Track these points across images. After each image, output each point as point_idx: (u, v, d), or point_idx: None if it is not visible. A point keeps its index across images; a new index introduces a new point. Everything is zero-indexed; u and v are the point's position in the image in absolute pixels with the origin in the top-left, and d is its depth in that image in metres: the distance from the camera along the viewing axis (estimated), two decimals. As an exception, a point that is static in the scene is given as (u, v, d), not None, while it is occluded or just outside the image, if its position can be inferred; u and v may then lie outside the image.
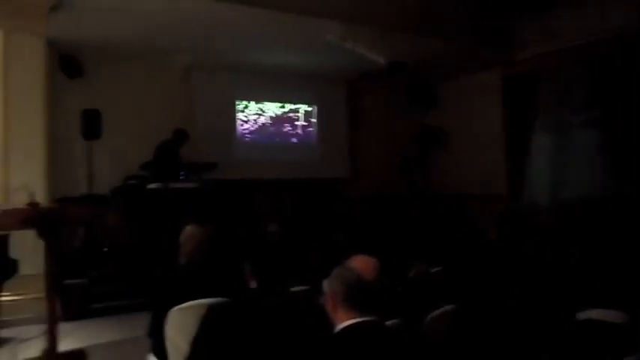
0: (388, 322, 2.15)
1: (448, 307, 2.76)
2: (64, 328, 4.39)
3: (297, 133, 9.79)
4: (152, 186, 6.88)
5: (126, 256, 6.65)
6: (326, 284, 2.00)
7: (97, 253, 6.72)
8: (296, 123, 9.78)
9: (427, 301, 2.90)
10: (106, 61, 7.88)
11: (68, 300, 5.59)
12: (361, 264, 1.97)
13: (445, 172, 10.29)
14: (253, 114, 9.34)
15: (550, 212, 8.26)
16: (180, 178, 7.24)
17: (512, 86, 9.07)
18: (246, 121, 9.27)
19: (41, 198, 4.64)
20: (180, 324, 2.71)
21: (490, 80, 9.39)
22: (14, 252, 4.77)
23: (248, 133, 9.31)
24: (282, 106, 9.63)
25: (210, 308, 2.39)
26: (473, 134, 9.81)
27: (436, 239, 5.74)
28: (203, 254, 3.16)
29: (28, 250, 4.19)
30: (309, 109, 9.90)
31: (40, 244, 3.94)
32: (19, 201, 4.22)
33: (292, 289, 3.02)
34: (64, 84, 7.39)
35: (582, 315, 2.36)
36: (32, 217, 3.76)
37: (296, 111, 9.78)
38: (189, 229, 3.27)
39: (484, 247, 4.64)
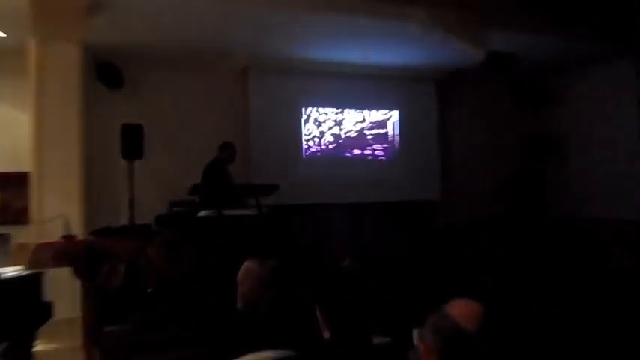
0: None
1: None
2: (103, 383, 4.55)
3: (375, 146, 9.77)
4: (202, 214, 7.04)
5: (174, 299, 6.81)
6: (418, 336, 1.95)
7: (141, 295, 6.93)
8: (374, 134, 9.76)
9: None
10: (149, 68, 8.25)
11: (108, 350, 5.78)
12: (461, 310, 1.91)
13: (563, 190, 9.96)
14: (322, 124, 9.41)
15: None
16: (236, 203, 7.37)
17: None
18: (313, 134, 9.36)
19: (77, 229, 4.85)
20: (239, 381, 2.73)
21: (623, 73, 9.04)
22: (48, 293, 5.01)
23: (316, 148, 9.38)
24: (357, 114, 9.64)
25: (275, 363, 2.40)
26: (599, 141, 9.45)
27: (557, 275, 5.52)
28: (265, 296, 3.17)
29: (64, 290, 4.38)
30: (390, 115, 9.87)
31: (76, 284, 4.12)
32: (53, 233, 4.44)
33: (374, 340, 2.98)
34: (102, 95, 7.77)
35: None
36: (68, 252, 3.95)
37: (375, 119, 9.77)
38: (247, 266, 3.31)
39: (620, 284, 4.42)
